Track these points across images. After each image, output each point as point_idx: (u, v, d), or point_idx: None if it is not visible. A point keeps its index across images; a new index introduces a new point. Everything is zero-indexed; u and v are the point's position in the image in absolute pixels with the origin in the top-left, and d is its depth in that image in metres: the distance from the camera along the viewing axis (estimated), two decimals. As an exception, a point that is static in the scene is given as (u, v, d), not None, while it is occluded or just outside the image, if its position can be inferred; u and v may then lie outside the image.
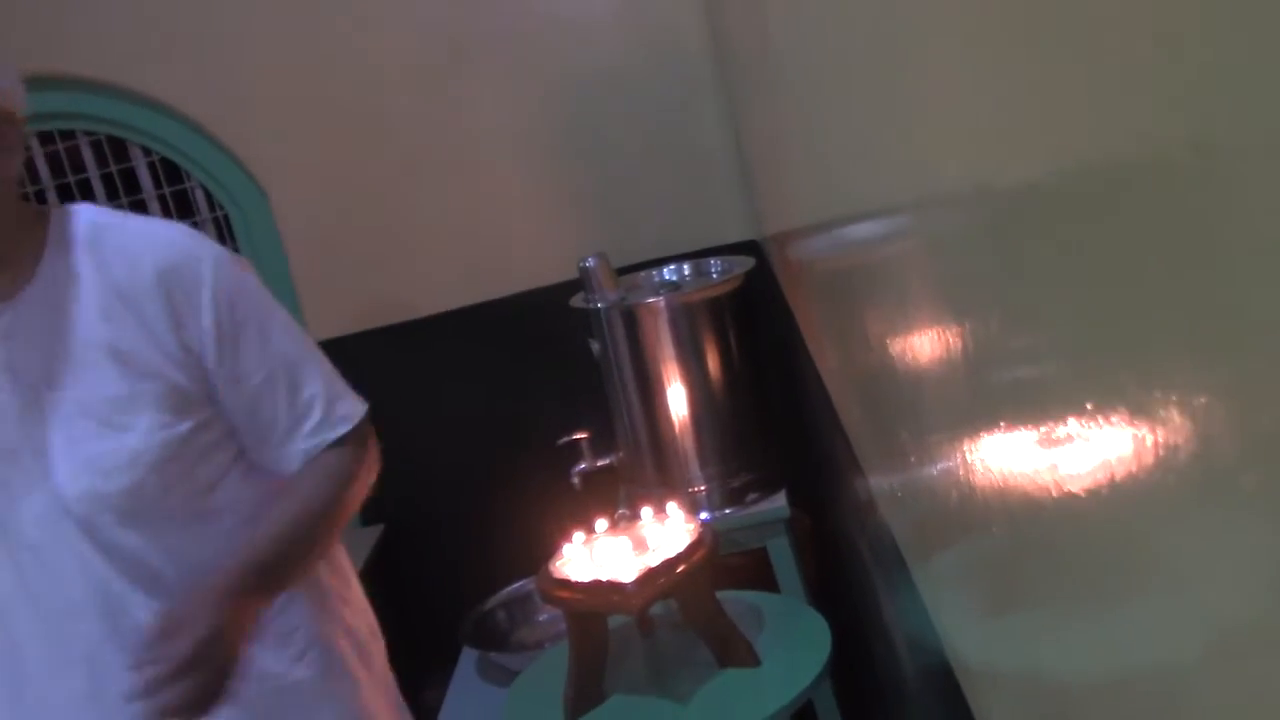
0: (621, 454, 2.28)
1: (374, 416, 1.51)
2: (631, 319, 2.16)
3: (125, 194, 2.84)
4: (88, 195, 2.85)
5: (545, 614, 2.53)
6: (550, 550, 1.79)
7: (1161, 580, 0.44)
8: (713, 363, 2.18)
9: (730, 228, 2.70)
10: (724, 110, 2.64)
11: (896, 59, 0.76)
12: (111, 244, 1.35)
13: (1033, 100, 0.49)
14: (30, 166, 2.85)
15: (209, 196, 2.84)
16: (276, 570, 1.37)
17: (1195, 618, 0.42)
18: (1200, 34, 0.33)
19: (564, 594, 1.69)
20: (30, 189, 2.86)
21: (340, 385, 1.50)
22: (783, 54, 1.38)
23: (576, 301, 2.26)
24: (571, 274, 2.29)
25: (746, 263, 2.29)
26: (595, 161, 2.66)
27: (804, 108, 1.29)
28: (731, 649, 1.70)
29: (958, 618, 0.95)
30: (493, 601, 2.57)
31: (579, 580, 1.68)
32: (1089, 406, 0.47)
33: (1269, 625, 0.35)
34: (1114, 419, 0.44)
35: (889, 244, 0.94)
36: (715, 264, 2.40)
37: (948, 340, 0.74)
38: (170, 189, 2.84)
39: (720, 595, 1.76)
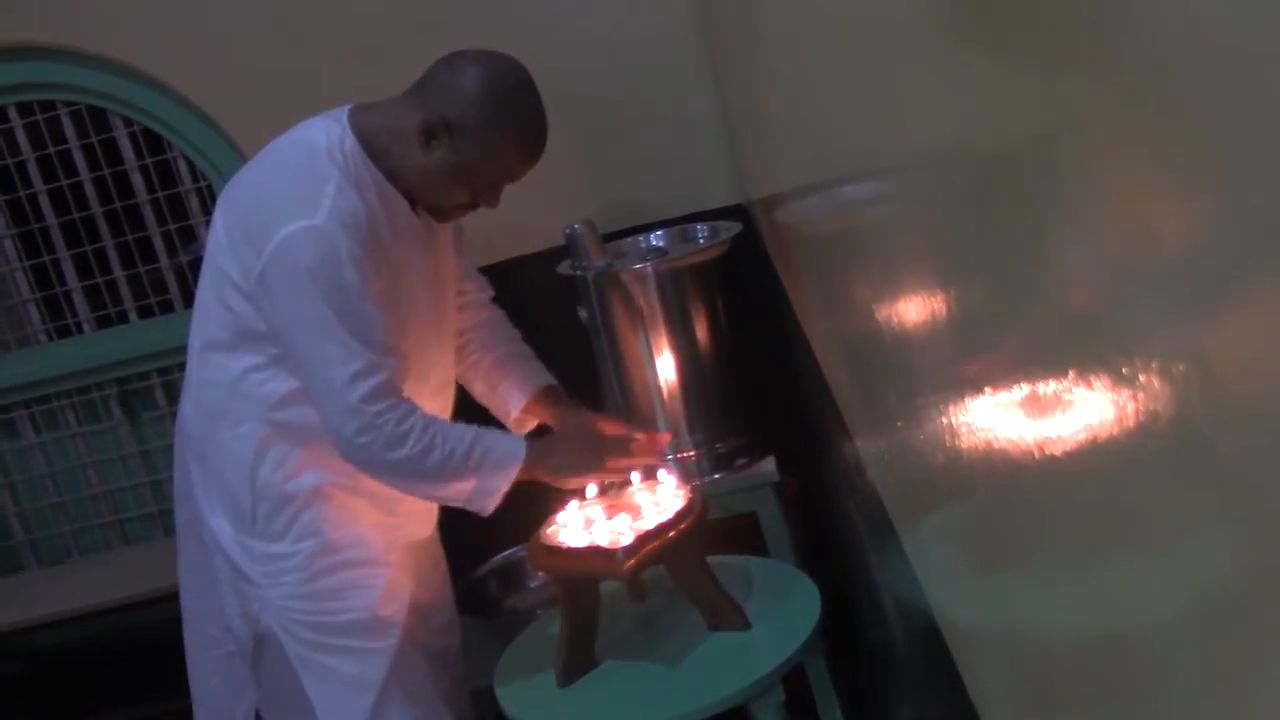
0: (610, 420, 2.28)
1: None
2: (619, 285, 2.15)
3: (107, 165, 2.81)
4: (69, 167, 2.82)
5: (537, 581, 2.55)
6: (541, 517, 1.79)
7: (1142, 541, 0.45)
8: (700, 328, 2.18)
9: (717, 192, 2.69)
10: (709, 74, 2.62)
11: (882, 24, 0.75)
12: None
13: (1014, 67, 0.49)
14: (9, 138, 2.82)
15: (192, 167, 2.82)
16: None
17: (1175, 577, 0.42)
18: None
19: (555, 560, 1.70)
20: (10, 160, 2.83)
21: None
22: (768, 17, 1.37)
23: (563, 268, 2.25)
24: (558, 241, 2.28)
25: (733, 227, 2.28)
26: (581, 127, 2.64)
27: (790, 70, 1.28)
28: (722, 613, 1.71)
29: (945, 579, 0.96)
30: (484, 569, 2.58)
31: (570, 547, 1.69)
32: (1071, 372, 0.47)
33: (1246, 584, 0.36)
34: (1095, 383, 0.44)
35: (875, 208, 0.94)
36: (702, 229, 2.40)
37: (933, 305, 0.74)
38: (152, 159, 2.81)
39: (710, 559, 1.77)
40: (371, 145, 1.71)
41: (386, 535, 1.82)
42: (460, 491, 1.72)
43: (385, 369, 1.65)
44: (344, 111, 1.76)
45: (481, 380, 2.03)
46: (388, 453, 1.64)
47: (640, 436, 1.91)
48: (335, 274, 1.60)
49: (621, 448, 1.86)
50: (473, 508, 1.76)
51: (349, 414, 1.62)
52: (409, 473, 1.68)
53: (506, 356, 2.04)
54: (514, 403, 2.01)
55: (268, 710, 1.92)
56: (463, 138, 1.68)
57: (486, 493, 1.73)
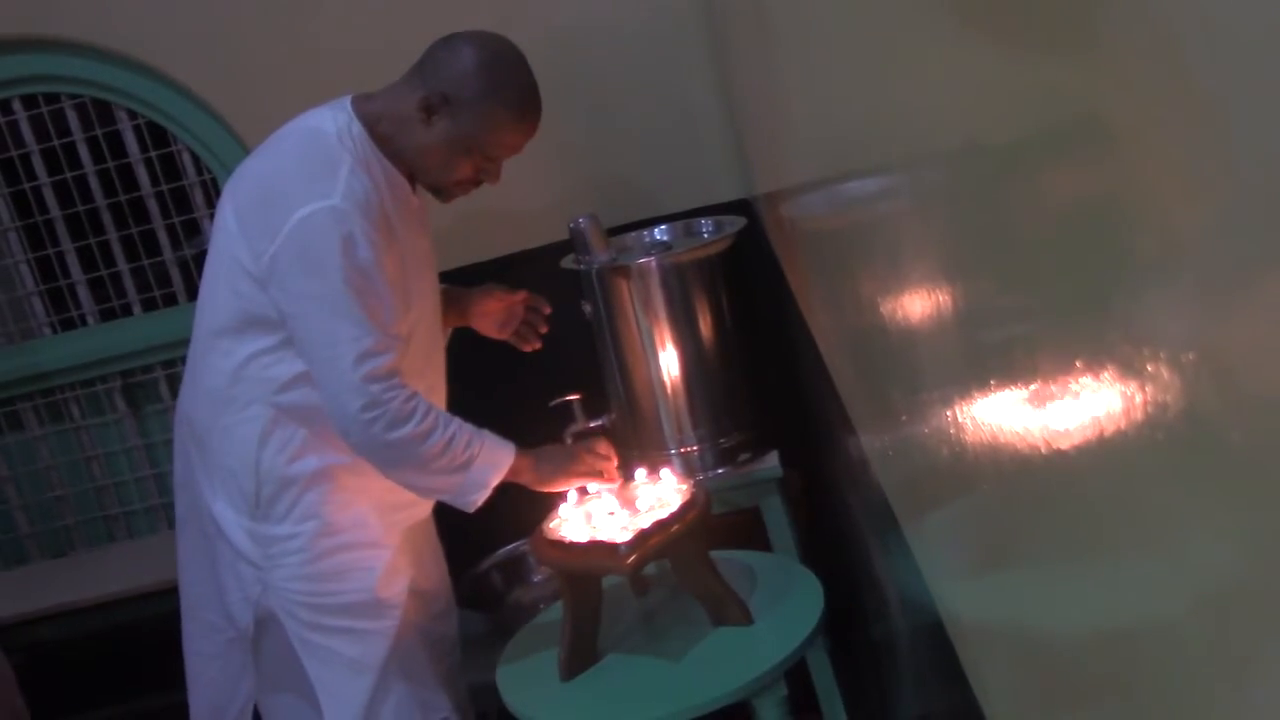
0: (614, 415, 2.28)
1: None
2: (623, 280, 2.15)
3: (111, 158, 2.81)
4: (73, 160, 2.82)
5: (540, 575, 2.54)
6: (544, 511, 1.79)
7: (1149, 536, 0.45)
8: (704, 323, 2.18)
9: (722, 187, 2.68)
10: (715, 67, 2.62)
11: (889, 17, 0.75)
12: None
13: (1022, 59, 0.49)
14: (14, 130, 2.82)
15: (196, 160, 2.82)
16: None
17: (1182, 573, 0.42)
18: None
19: (558, 555, 1.70)
20: (15, 153, 2.83)
21: None
22: (776, 9, 1.37)
23: (567, 263, 2.25)
24: (562, 235, 2.28)
25: (738, 222, 2.28)
26: (585, 120, 2.63)
27: (797, 64, 1.28)
28: (725, 608, 1.71)
29: (949, 574, 0.95)
30: (487, 563, 2.58)
31: (573, 541, 1.69)
32: (1078, 364, 0.47)
33: (1255, 581, 0.35)
34: (1103, 376, 0.44)
35: (881, 203, 0.93)
36: (706, 224, 2.39)
37: (938, 299, 0.74)
38: (156, 152, 2.81)
39: (713, 554, 1.77)
40: (375, 130, 1.76)
41: (388, 517, 1.83)
42: (453, 482, 1.73)
43: (391, 350, 1.68)
44: (345, 101, 1.80)
45: None
46: (390, 431, 1.65)
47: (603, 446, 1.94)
48: (352, 252, 1.64)
49: (592, 448, 1.90)
50: (459, 501, 1.77)
51: (354, 391, 1.64)
52: (407, 454, 1.68)
53: None
54: None
55: (268, 696, 1.93)
56: (461, 109, 1.74)
57: (477, 486, 1.75)
